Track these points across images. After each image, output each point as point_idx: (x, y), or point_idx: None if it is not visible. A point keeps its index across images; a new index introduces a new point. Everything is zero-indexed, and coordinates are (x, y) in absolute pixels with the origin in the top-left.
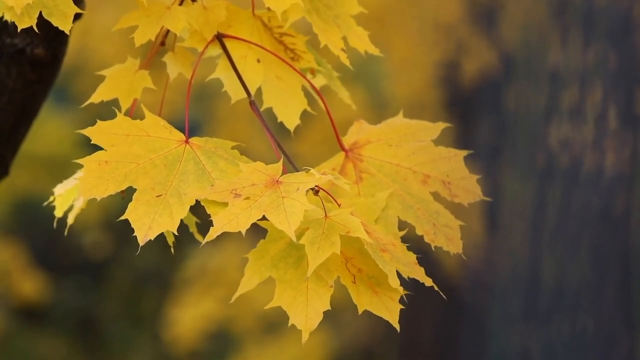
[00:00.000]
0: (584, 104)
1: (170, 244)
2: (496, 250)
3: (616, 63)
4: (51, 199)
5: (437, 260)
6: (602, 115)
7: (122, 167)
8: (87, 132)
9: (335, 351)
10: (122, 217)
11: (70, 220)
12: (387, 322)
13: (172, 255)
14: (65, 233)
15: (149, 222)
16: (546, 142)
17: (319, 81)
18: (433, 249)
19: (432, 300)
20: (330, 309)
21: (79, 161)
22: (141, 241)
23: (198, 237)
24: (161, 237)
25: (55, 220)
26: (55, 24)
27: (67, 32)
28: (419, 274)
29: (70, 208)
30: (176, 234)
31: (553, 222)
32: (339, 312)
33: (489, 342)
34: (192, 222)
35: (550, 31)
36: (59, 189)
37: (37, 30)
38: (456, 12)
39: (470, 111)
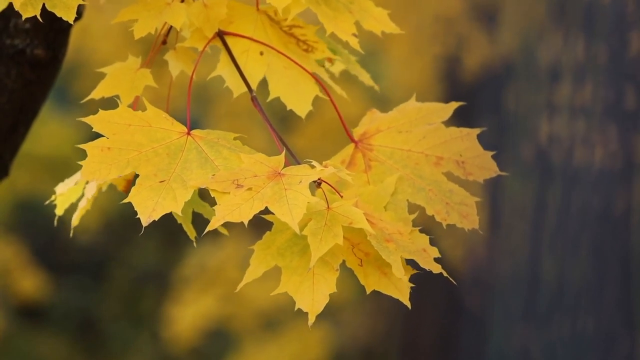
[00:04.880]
0: (585, 104)
1: (193, 238)
2: (496, 250)
3: (617, 63)
4: (52, 197)
5: (441, 253)
6: (602, 115)
7: (124, 154)
8: (89, 120)
9: (335, 349)
10: (125, 201)
11: (74, 221)
12: (387, 320)
13: (171, 255)
14: (71, 234)
15: (153, 205)
16: (546, 142)
17: (337, 68)
18: (444, 227)
19: (433, 300)
20: (336, 291)
21: (82, 146)
22: (145, 222)
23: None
24: (161, 236)
25: (56, 218)
26: (59, 15)
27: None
28: (427, 261)
29: (74, 208)
30: (181, 214)
31: (553, 222)
32: (339, 310)
33: (489, 341)
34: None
35: (551, 30)
36: (61, 188)
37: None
38: (456, 6)
39: (471, 110)
